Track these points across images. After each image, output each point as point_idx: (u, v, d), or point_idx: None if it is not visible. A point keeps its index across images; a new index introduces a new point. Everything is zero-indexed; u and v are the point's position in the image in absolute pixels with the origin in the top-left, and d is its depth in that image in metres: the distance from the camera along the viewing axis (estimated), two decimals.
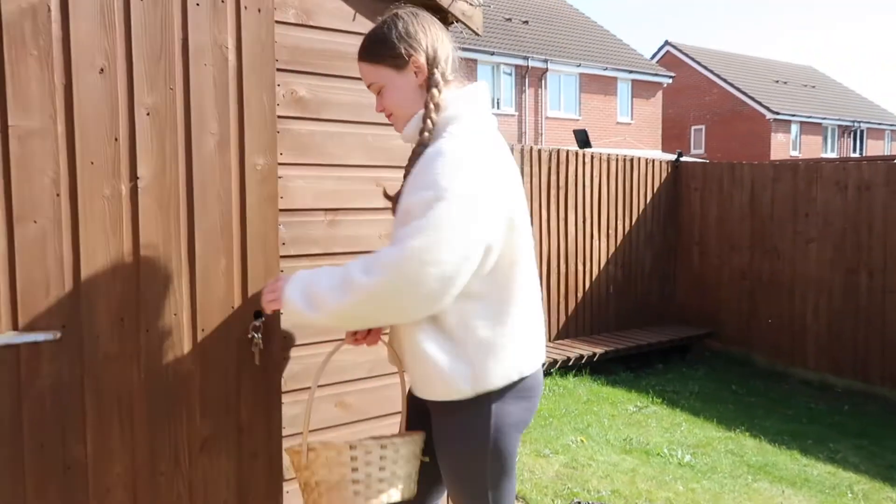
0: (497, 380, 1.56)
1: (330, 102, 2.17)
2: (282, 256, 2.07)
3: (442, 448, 1.64)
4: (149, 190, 1.84)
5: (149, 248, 1.84)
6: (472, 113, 1.61)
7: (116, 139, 1.78)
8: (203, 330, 1.92)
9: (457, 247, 1.44)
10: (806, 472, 4.34)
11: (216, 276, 1.94)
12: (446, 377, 1.55)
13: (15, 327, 1.66)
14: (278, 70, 2.05)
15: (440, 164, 1.48)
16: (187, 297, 1.90)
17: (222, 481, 1.97)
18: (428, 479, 1.75)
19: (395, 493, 1.64)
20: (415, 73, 1.62)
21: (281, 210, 2.06)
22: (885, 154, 27.73)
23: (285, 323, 2.07)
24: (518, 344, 1.59)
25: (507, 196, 1.56)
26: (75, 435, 1.75)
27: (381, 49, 1.63)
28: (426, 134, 1.58)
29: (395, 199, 1.68)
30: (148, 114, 1.83)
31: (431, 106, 1.60)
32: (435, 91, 1.60)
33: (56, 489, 1.73)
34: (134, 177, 1.81)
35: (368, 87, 1.70)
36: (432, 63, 1.62)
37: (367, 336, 1.79)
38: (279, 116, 2.07)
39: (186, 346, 1.90)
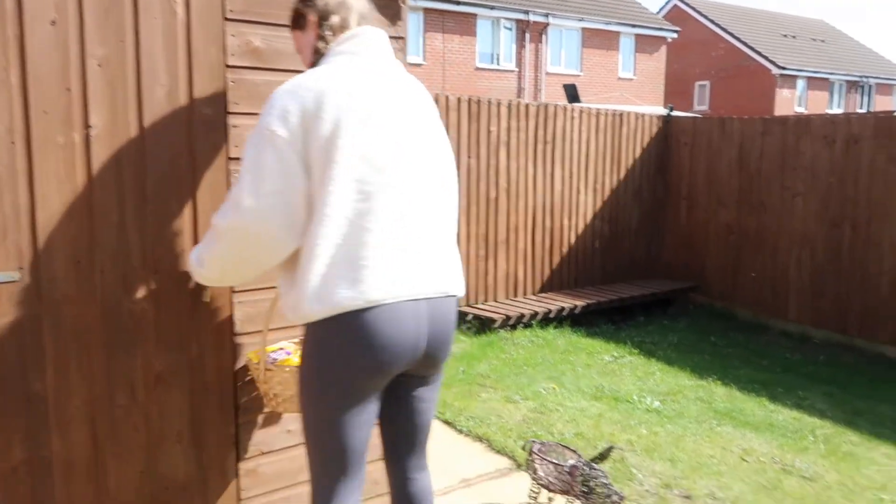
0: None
1: (285, 52, 2.22)
2: None
3: None
4: (101, 138, 1.92)
5: (102, 193, 1.94)
6: (336, 54, 1.75)
7: (69, 89, 1.87)
8: (156, 271, 2.03)
9: (247, 183, 1.64)
10: (771, 418, 4.48)
11: (167, 220, 2.04)
12: None
13: None
14: (233, 20, 2.11)
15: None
16: (140, 240, 2.01)
17: (176, 413, 2.11)
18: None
19: None
20: (312, 30, 1.81)
21: (235, 158, 2.15)
22: (891, 109, 27.38)
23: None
24: (317, 279, 1.62)
25: (313, 131, 1.61)
26: (36, 370, 1.88)
27: (292, 13, 1.86)
28: None
29: None
30: (99, 65, 1.91)
31: (312, 60, 1.79)
32: (320, 44, 1.78)
33: (19, 421, 1.87)
34: (86, 125, 1.90)
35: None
36: (323, 19, 1.79)
37: None
38: (234, 66, 2.13)
39: (140, 287, 2.02)
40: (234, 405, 2.21)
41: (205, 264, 1.80)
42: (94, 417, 1.97)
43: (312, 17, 1.79)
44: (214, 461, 2.19)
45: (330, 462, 1.72)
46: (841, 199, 6.43)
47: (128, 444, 2.03)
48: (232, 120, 2.14)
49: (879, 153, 6.15)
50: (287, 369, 2.00)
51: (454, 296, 1.77)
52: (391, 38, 2.47)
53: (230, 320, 2.18)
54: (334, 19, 1.79)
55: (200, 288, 2.11)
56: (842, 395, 5.08)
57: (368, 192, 1.62)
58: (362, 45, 1.76)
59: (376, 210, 1.62)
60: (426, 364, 1.76)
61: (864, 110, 28.91)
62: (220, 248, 1.74)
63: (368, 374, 1.65)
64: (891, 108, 29.98)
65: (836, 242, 6.48)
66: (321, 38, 1.79)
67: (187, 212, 2.08)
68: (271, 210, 1.61)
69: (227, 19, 2.11)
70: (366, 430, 1.74)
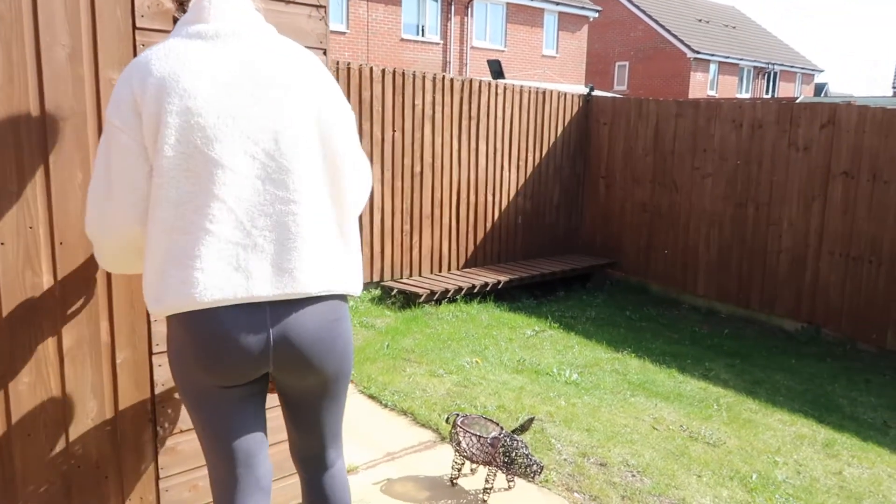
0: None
1: (172, 21, 2.12)
2: None
3: None
4: None
5: (2, 161, 1.80)
6: (184, 23, 1.57)
7: None
8: (61, 243, 1.92)
9: (97, 182, 1.55)
10: (680, 388, 4.72)
11: (73, 190, 1.92)
12: None
13: None
14: None
15: None
16: (44, 211, 1.89)
17: (87, 391, 2.01)
18: None
19: None
20: None
21: None
22: (793, 96, 28.94)
23: None
24: (150, 275, 1.53)
25: (144, 117, 1.47)
26: None
27: None
28: None
29: None
30: None
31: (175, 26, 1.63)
32: (179, 6, 1.66)
33: None
34: None
35: None
36: None
37: None
38: (143, 28, 2.01)
39: (45, 259, 1.90)
40: (151, 381, 2.13)
41: (107, 264, 1.70)
42: (2, 397, 1.85)
43: None
44: (130, 439, 2.10)
45: (210, 454, 1.66)
46: (746, 180, 6.77)
47: (35, 424, 1.92)
48: None
49: (781, 138, 6.50)
50: None
51: (312, 295, 1.54)
52: (311, 6, 2.41)
53: (143, 295, 2.09)
54: None
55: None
56: (743, 366, 5.40)
57: (199, 183, 1.47)
58: (210, 13, 1.55)
59: (209, 202, 1.47)
60: (295, 371, 1.59)
61: (769, 95, 30.45)
62: (100, 250, 1.65)
63: (204, 374, 1.55)
64: (793, 94, 31.69)
65: (741, 222, 6.84)
66: (180, 3, 1.65)
67: None
68: (126, 205, 1.53)
69: None
70: (235, 430, 1.62)
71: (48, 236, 1.91)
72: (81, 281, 1.98)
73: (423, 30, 19.47)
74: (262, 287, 1.49)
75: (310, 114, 1.56)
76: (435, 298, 6.11)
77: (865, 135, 5.93)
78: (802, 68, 33.05)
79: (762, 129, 6.64)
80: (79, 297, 1.98)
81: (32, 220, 1.88)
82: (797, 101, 8.11)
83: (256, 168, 1.50)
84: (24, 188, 1.85)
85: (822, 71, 34.02)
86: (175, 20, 1.59)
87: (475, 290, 6.41)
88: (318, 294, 1.55)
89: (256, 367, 1.55)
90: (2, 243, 1.83)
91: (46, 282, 1.92)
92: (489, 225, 7.16)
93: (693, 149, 7.16)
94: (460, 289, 6.30)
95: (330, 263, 1.57)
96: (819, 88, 34.23)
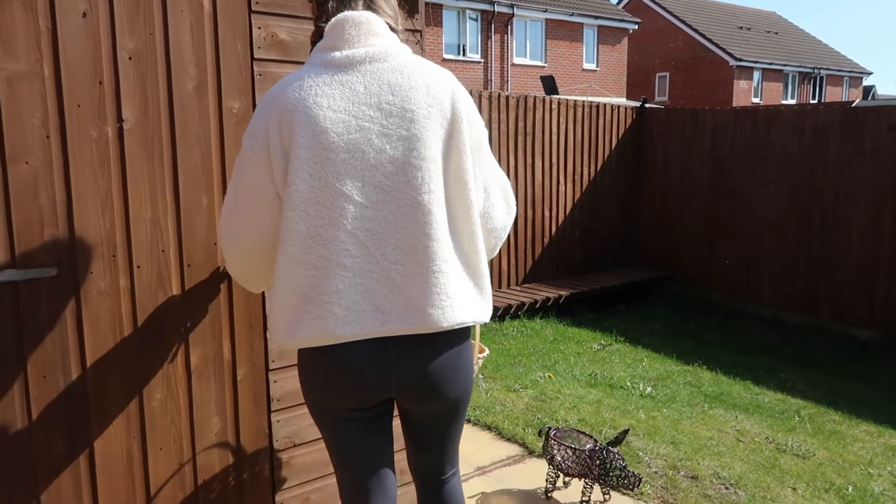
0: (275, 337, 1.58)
1: (309, 45, 2.21)
2: None
3: None
4: (133, 132, 1.89)
5: (135, 187, 1.91)
6: (319, 49, 1.55)
7: (101, 82, 1.83)
8: (189, 265, 2.02)
9: (228, 199, 1.60)
10: (758, 400, 4.64)
11: (199, 214, 2.02)
12: None
13: (13, 265, 1.74)
14: (258, 13, 2.09)
15: None
16: (173, 234, 1.99)
17: (212, 406, 2.09)
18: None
19: None
20: (313, 13, 1.62)
21: None
22: (843, 101, 28.28)
23: None
24: (281, 308, 1.52)
25: (275, 149, 1.47)
26: (75, 366, 1.85)
27: None
28: None
29: None
30: (130, 58, 1.87)
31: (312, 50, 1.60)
32: (314, 37, 1.62)
33: (61, 415, 1.84)
34: (119, 119, 1.87)
35: None
36: (319, 7, 1.60)
37: None
38: (260, 59, 2.12)
39: (174, 280, 2.00)
40: (267, 397, 2.21)
41: (240, 280, 1.71)
42: (133, 411, 1.95)
43: (312, 4, 1.60)
44: (248, 453, 2.18)
45: (339, 468, 1.71)
46: (809, 186, 6.65)
47: (165, 438, 2.02)
48: None
49: (846, 143, 6.37)
50: None
51: (443, 329, 1.49)
52: (408, 30, 2.49)
53: (262, 315, 2.17)
54: (331, 4, 1.56)
55: (229, 280, 2.10)
56: (819, 377, 5.28)
57: (330, 217, 1.45)
58: (344, 38, 1.50)
59: (341, 237, 1.45)
60: (419, 399, 1.58)
61: (815, 100, 29.81)
62: (227, 261, 1.68)
63: (333, 401, 1.59)
64: (841, 98, 30.97)
65: (806, 229, 6.71)
66: (317, 24, 1.59)
67: (217, 205, 2.06)
68: (256, 236, 1.56)
69: (252, 12, 2.09)
70: (364, 448, 1.66)
71: (178, 258, 2.01)
72: (206, 301, 2.07)
73: (464, 49, 19.68)
74: (395, 321, 1.47)
75: (439, 144, 1.50)
76: (498, 315, 6.14)
77: None
78: (850, 72, 32.30)
79: (825, 135, 6.53)
80: (204, 316, 2.07)
81: (164, 243, 1.98)
82: (853, 105, 7.96)
83: (388, 201, 1.46)
84: (157, 214, 1.96)
85: (870, 73, 33.19)
86: (313, 43, 1.61)
87: (537, 306, 6.42)
88: (450, 327, 1.50)
89: (383, 395, 1.57)
90: (138, 266, 1.94)
91: (176, 302, 2.02)
92: (547, 239, 7.17)
93: (752, 157, 7.07)
94: (522, 304, 6.31)
95: (461, 295, 1.52)
96: (867, 91, 33.40)
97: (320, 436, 2.29)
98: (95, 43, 1.81)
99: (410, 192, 1.46)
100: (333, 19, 1.53)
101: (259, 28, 2.11)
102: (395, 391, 1.56)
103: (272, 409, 2.23)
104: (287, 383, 2.24)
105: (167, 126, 1.96)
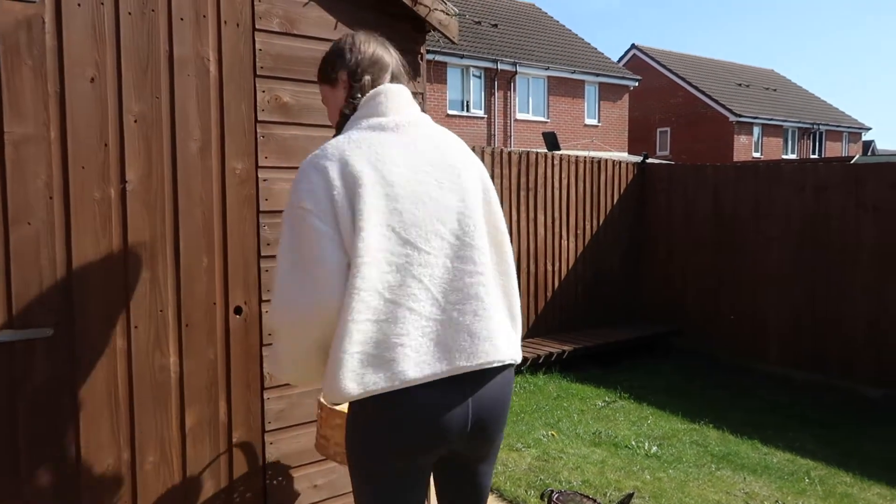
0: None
1: (312, 107, 2.26)
2: (266, 256, 2.15)
3: None
4: (136, 193, 1.91)
5: (136, 248, 1.92)
6: (361, 118, 1.63)
7: (106, 145, 1.86)
8: (187, 325, 2.01)
9: (291, 273, 1.53)
10: (766, 460, 4.53)
11: (199, 274, 2.02)
12: None
13: (10, 325, 1.73)
14: (263, 77, 2.14)
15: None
16: (172, 294, 1.99)
17: (206, 469, 2.05)
18: None
19: None
20: (343, 88, 1.68)
21: (265, 212, 2.15)
22: (843, 155, 28.56)
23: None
24: (345, 359, 1.49)
25: (339, 204, 1.51)
26: (68, 428, 1.82)
27: (321, 68, 1.73)
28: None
29: None
30: (135, 121, 1.91)
31: (338, 120, 1.68)
32: (346, 109, 1.67)
33: (50, 480, 1.80)
34: (122, 180, 1.89)
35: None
36: (354, 79, 1.67)
37: None
38: (264, 121, 2.16)
39: (172, 341, 1.98)
40: (262, 459, 2.16)
41: (284, 369, 1.63)
42: (125, 475, 1.91)
43: (343, 76, 1.68)
44: None
45: None
46: (813, 243, 6.64)
47: (159, 502, 1.97)
48: (262, 174, 2.16)
49: (848, 199, 6.40)
50: (337, 416, 1.90)
51: (503, 363, 1.59)
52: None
53: (259, 375, 2.15)
54: (366, 79, 1.67)
55: (228, 341, 2.08)
56: (829, 436, 5.16)
57: (397, 265, 1.52)
58: (387, 107, 1.63)
59: (408, 282, 1.52)
60: (479, 440, 1.59)
61: (815, 155, 30.11)
62: (287, 346, 1.59)
63: (410, 456, 1.55)
64: (840, 152, 31.28)
65: (811, 285, 6.67)
66: (350, 98, 1.67)
67: (218, 265, 2.07)
68: (328, 293, 1.50)
69: (257, 76, 2.14)
70: (409, 500, 1.62)
71: (176, 319, 2.00)
72: (203, 362, 2.05)
73: (467, 105, 20.05)
74: (462, 358, 1.53)
75: (479, 194, 1.65)
76: None
77: None
78: (849, 127, 32.73)
79: (827, 192, 6.56)
80: (200, 378, 2.05)
81: (163, 303, 1.98)
82: (853, 161, 8.03)
83: (446, 247, 1.56)
84: (157, 273, 1.96)
85: (869, 129, 33.63)
86: (343, 115, 1.66)
87: (540, 361, 6.35)
88: (508, 362, 1.59)
89: (455, 439, 1.56)
90: (135, 326, 1.93)
91: (173, 363, 2.00)
92: (549, 294, 7.14)
93: (755, 213, 7.09)
94: (525, 360, 6.24)
95: (508, 332, 1.64)
96: (866, 146, 33.76)
97: (315, 499, 2.25)
98: (102, 107, 1.85)
99: (465, 237, 1.59)
100: (372, 91, 1.66)
101: (263, 91, 2.15)
102: (468, 431, 1.56)
103: (268, 471, 2.18)
104: (283, 445, 2.20)
105: (170, 187, 1.98)
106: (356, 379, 1.49)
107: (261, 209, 2.15)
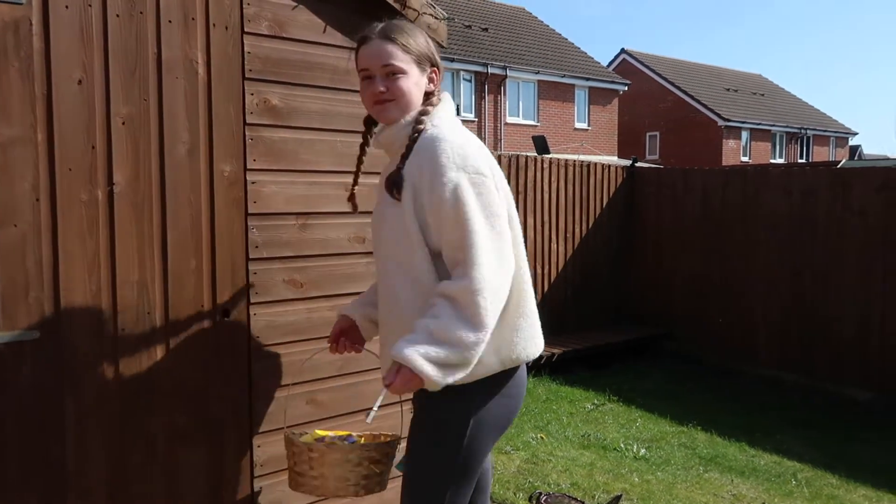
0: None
1: (301, 110, 2.26)
2: (255, 259, 2.15)
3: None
4: (124, 195, 1.91)
5: (124, 250, 1.91)
6: (448, 111, 1.76)
7: (93, 147, 1.86)
8: (176, 330, 2.00)
9: (492, 246, 1.59)
10: (754, 462, 4.56)
11: (187, 276, 2.02)
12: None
13: None
14: (252, 79, 2.14)
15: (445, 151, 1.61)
16: (160, 297, 1.98)
17: (195, 473, 2.05)
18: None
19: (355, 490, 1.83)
20: (429, 80, 1.74)
21: (254, 214, 2.15)
22: (830, 160, 28.80)
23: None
24: (508, 332, 1.67)
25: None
26: (55, 432, 1.81)
27: (418, 46, 1.70)
28: (417, 127, 1.66)
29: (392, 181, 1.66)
30: (123, 123, 1.90)
31: (429, 109, 1.71)
32: (434, 106, 1.71)
33: (37, 484, 1.79)
34: (110, 182, 1.89)
35: (383, 66, 1.67)
36: (438, 82, 1.77)
37: (347, 345, 1.93)
38: (253, 124, 2.16)
39: (159, 344, 1.98)
40: (251, 461, 2.16)
41: (487, 333, 1.52)
42: (114, 479, 1.90)
43: (439, 76, 1.77)
44: None
45: (466, 492, 1.67)
46: (800, 246, 6.70)
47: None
48: (251, 176, 2.15)
49: (835, 204, 6.46)
50: (294, 446, 1.87)
51: None
52: None
53: (248, 376, 2.15)
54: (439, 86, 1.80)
55: (217, 344, 2.08)
56: (816, 438, 5.20)
57: (519, 249, 1.69)
58: (449, 102, 1.79)
59: (522, 266, 1.68)
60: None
61: (803, 160, 30.35)
62: (495, 308, 1.54)
63: (505, 431, 1.74)
64: (828, 157, 31.55)
65: (798, 288, 6.72)
66: (438, 101, 1.74)
67: (206, 268, 2.06)
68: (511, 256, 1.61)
69: (246, 78, 2.14)
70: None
71: (164, 320, 2.00)
72: (192, 364, 2.05)
73: (458, 108, 20.08)
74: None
75: None
76: None
77: None
78: (836, 132, 33.02)
79: (814, 195, 6.61)
80: (190, 383, 2.05)
81: (150, 305, 1.97)
82: (840, 165, 8.10)
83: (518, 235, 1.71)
84: (145, 276, 1.95)
85: (855, 133, 33.94)
86: (423, 113, 1.70)
87: (529, 364, 6.35)
88: None
89: None
90: (123, 329, 1.92)
91: (161, 366, 1.99)
92: (539, 297, 7.16)
93: (743, 216, 7.14)
94: None
95: None
96: (853, 151, 34.06)
97: (306, 501, 2.24)
98: (90, 109, 1.85)
99: (516, 229, 1.70)
100: (445, 94, 1.78)
101: (252, 94, 2.15)
102: None
103: (255, 474, 2.18)
104: (270, 448, 2.19)
105: (158, 189, 1.97)
106: (524, 346, 1.64)
107: (249, 212, 2.14)
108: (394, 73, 1.67)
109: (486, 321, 1.50)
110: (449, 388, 1.54)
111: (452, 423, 1.61)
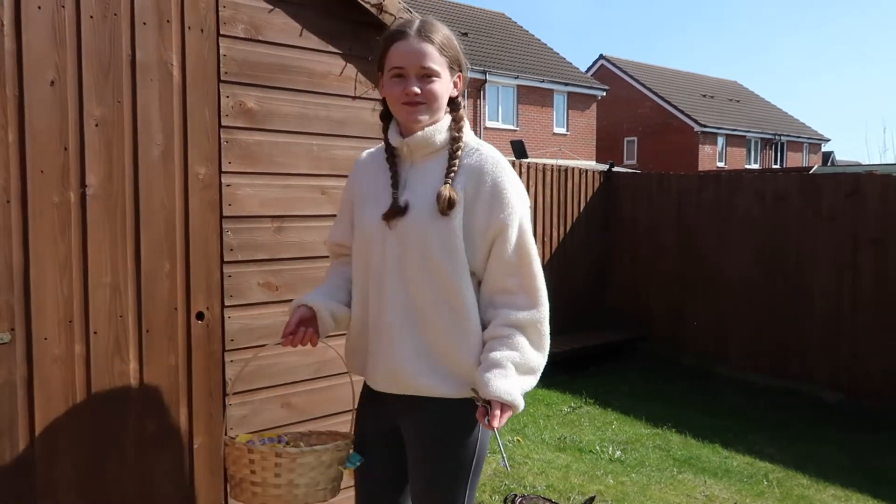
0: None
1: (277, 113, 2.26)
2: (230, 262, 2.15)
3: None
4: (97, 197, 1.90)
5: (96, 252, 1.90)
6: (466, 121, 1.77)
7: (66, 148, 1.85)
8: (147, 331, 1.99)
9: (535, 257, 1.72)
10: (727, 464, 4.63)
11: (160, 279, 2.01)
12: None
13: None
14: (228, 82, 2.14)
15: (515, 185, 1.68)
16: (133, 299, 1.97)
17: (166, 477, 2.04)
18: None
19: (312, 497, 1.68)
20: (454, 84, 1.71)
21: (229, 217, 2.15)
22: (804, 165, 29.29)
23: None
24: None
25: None
26: (24, 434, 1.79)
27: (453, 49, 1.69)
28: (458, 140, 1.68)
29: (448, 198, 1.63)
30: (97, 125, 1.89)
31: (463, 116, 1.74)
32: (463, 110, 1.74)
33: (3, 486, 1.77)
34: (83, 184, 1.87)
35: (421, 67, 1.63)
36: (462, 88, 1.75)
37: (304, 337, 1.72)
38: (228, 127, 2.15)
39: (132, 347, 1.97)
40: (225, 467, 2.15)
41: (540, 369, 1.69)
42: (83, 483, 1.89)
43: (465, 81, 1.76)
44: None
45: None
46: (773, 250, 6.81)
47: None
48: (226, 179, 2.15)
49: (806, 208, 6.58)
50: (238, 450, 1.70)
51: None
52: (373, 99, 2.56)
53: (221, 381, 2.14)
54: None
55: (190, 347, 2.07)
56: (787, 439, 5.29)
57: None
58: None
59: None
60: None
61: (777, 166, 30.83)
62: (547, 338, 1.70)
63: None
64: (801, 163, 32.07)
65: (771, 292, 6.83)
66: (461, 98, 1.75)
67: (180, 270, 2.06)
68: None
69: (221, 81, 2.14)
70: None
71: (136, 324, 1.99)
72: (164, 367, 2.04)
73: None
74: None
75: None
76: None
77: (890, 202, 6.00)
78: (809, 138, 33.58)
79: (786, 200, 6.73)
80: (161, 384, 2.04)
81: (123, 308, 1.96)
82: (812, 171, 8.26)
83: None
84: (118, 279, 1.94)
85: (828, 140, 34.54)
86: (460, 120, 1.73)
87: None
88: None
89: None
90: (95, 332, 1.91)
91: (133, 369, 1.98)
92: None
93: (717, 221, 7.25)
94: None
95: None
96: (826, 157, 34.67)
97: None
98: (62, 110, 1.83)
99: None
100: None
101: (227, 97, 2.15)
102: None
103: (229, 479, 2.17)
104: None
105: (131, 191, 1.97)
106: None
107: (224, 214, 2.14)
108: (429, 76, 1.64)
109: (548, 346, 1.69)
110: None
111: (471, 422, 1.64)
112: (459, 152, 1.66)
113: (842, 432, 5.58)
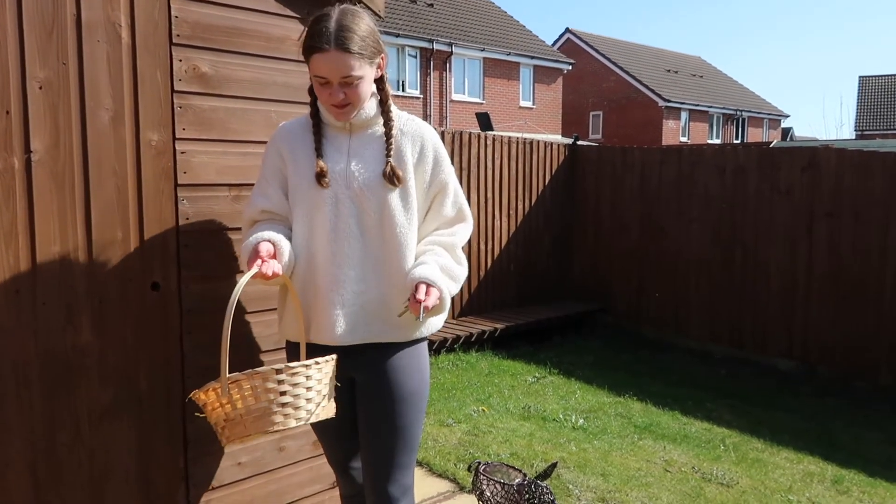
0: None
1: (232, 79, 2.20)
2: (186, 231, 2.09)
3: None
4: (43, 163, 1.83)
5: (44, 221, 1.83)
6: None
7: (8, 112, 1.77)
8: (101, 301, 1.94)
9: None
10: (685, 430, 4.75)
11: (113, 248, 1.96)
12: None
13: None
14: (180, 45, 2.06)
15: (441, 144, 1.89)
16: (84, 269, 1.91)
17: (123, 449, 2.00)
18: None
19: (322, 412, 1.69)
20: (378, 66, 1.79)
21: (184, 185, 2.09)
22: (763, 140, 29.82)
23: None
24: None
25: None
26: None
27: (369, 45, 1.73)
28: (390, 116, 1.83)
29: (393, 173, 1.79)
30: (40, 87, 1.82)
31: (389, 93, 1.86)
32: (388, 85, 1.87)
33: None
34: (27, 150, 1.80)
35: (343, 77, 1.69)
36: (384, 66, 1.84)
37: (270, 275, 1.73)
38: (182, 92, 2.08)
39: (84, 318, 1.91)
40: (183, 438, 2.12)
41: (461, 280, 1.88)
42: (36, 458, 1.84)
43: (386, 58, 1.84)
44: (163, 497, 2.09)
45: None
46: (731, 223, 6.94)
47: (71, 484, 1.91)
48: (180, 146, 2.09)
49: (763, 182, 6.71)
50: (259, 377, 1.64)
51: None
52: (301, 61, 2.50)
53: (180, 351, 2.10)
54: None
55: (146, 318, 2.03)
56: (743, 406, 5.45)
57: None
58: None
59: None
60: None
61: (738, 140, 31.34)
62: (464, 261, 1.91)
63: None
64: (761, 138, 32.67)
65: (729, 264, 6.98)
66: (388, 79, 1.88)
67: (133, 239, 2.00)
68: None
69: (173, 44, 2.06)
70: None
71: (88, 293, 1.93)
72: (119, 339, 1.99)
73: (402, 85, 19.90)
74: None
75: None
76: (433, 348, 6.12)
77: (844, 176, 6.15)
78: (769, 114, 34.18)
79: (745, 174, 6.85)
80: (117, 355, 1.99)
81: (73, 278, 1.90)
82: (771, 146, 8.40)
83: None
84: (67, 248, 1.88)
85: (787, 116, 35.20)
86: (388, 98, 1.89)
87: (472, 339, 6.43)
88: None
89: None
90: (44, 303, 1.85)
91: (86, 341, 1.93)
92: (483, 273, 7.23)
93: (678, 195, 7.35)
94: (458, 338, 6.32)
95: None
96: (785, 133, 35.35)
97: (239, 477, 2.23)
98: (2, 72, 1.75)
99: None
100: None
101: (180, 60, 2.08)
102: None
103: (188, 450, 2.14)
104: (204, 422, 2.15)
105: (80, 157, 1.89)
106: None
107: (179, 182, 2.08)
108: (351, 83, 1.73)
109: (466, 267, 1.91)
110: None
111: (423, 363, 1.90)
112: (394, 130, 1.81)
113: (795, 398, 5.77)
